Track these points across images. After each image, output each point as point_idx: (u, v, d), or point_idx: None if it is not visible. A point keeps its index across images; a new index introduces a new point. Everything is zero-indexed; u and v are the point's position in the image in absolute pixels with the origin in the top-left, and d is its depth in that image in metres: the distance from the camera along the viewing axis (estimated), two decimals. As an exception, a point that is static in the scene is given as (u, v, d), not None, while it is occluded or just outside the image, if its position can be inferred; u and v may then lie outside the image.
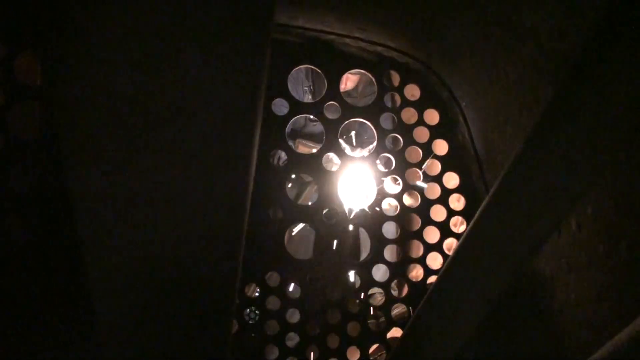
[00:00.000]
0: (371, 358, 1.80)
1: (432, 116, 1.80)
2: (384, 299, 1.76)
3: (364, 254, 1.99)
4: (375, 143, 1.80)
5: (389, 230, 1.83)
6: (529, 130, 0.96)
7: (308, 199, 2.69)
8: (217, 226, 0.93)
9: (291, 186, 2.67)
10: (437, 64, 1.73)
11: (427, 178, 1.79)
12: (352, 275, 1.87)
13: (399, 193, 1.79)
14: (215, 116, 0.78)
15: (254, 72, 0.77)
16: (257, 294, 1.76)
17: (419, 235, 1.78)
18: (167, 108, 0.76)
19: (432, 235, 1.78)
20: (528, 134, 0.96)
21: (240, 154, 0.84)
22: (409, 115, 1.80)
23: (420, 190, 1.79)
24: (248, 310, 1.78)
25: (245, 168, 0.86)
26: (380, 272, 1.79)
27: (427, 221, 1.78)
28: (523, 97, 1.36)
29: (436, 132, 1.79)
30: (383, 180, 1.80)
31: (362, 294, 1.75)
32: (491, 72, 1.48)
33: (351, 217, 1.79)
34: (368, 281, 1.74)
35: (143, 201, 0.86)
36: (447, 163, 1.79)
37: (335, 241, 1.75)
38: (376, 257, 1.76)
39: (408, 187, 1.79)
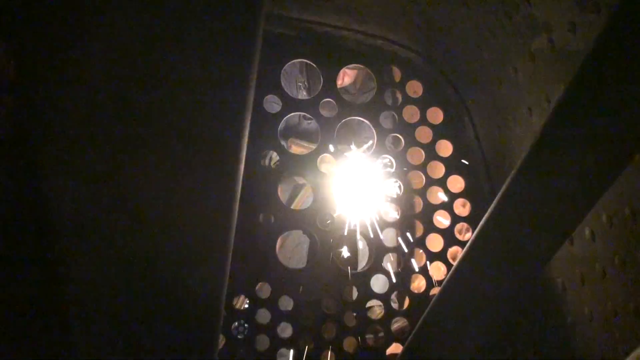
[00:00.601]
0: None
1: (436, 115, 1.81)
2: (383, 312, 1.76)
3: (362, 263, 1.99)
4: (374, 143, 1.80)
5: (389, 237, 1.83)
6: (538, 131, 0.96)
7: (302, 203, 2.68)
8: (202, 232, 0.92)
9: (284, 189, 2.67)
10: (441, 59, 1.74)
11: (430, 181, 1.80)
12: (349, 287, 1.86)
13: (400, 197, 1.79)
14: (201, 114, 0.78)
15: (243, 67, 0.77)
16: (246, 306, 1.75)
17: (421, 243, 1.78)
18: (150, 105, 0.76)
19: (435, 243, 1.78)
20: (538, 135, 0.96)
21: (228, 154, 0.84)
22: (411, 113, 1.81)
23: (423, 194, 1.80)
24: (236, 323, 1.77)
25: (233, 169, 0.86)
26: (379, 283, 1.79)
27: (430, 228, 1.78)
28: (533, 95, 1.37)
29: (440, 132, 1.80)
30: (383, 183, 1.80)
31: (360, 306, 1.75)
32: (499, 68, 1.49)
33: (348, 223, 1.79)
34: (366, 293, 1.74)
35: (124, 206, 0.86)
36: (452, 165, 1.79)
37: (331, 249, 1.75)
38: (375, 266, 1.76)
39: (410, 191, 1.79)
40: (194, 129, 0.79)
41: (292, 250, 2.46)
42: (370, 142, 1.88)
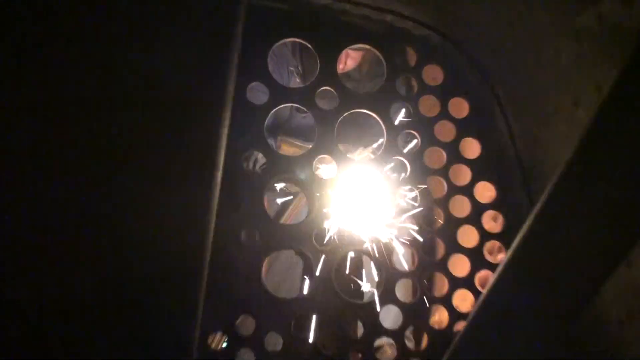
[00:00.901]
0: None
1: (460, 107, 1.82)
2: (396, 353, 1.76)
3: (370, 290, 1.98)
4: (384, 142, 1.81)
5: (403, 259, 1.83)
6: (586, 127, 0.97)
7: (294, 216, 2.68)
8: (168, 253, 0.92)
9: (271, 199, 2.67)
10: (465, 38, 1.75)
11: (453, 188, 1.80)
12: (353, 321, 1.86)
13: (416, 209, 1.80)
14: (169, 106, 0.78)
15: (221, 48, 0.77)
16: (224, 346, 1.74)
17: (442, 266, 1.78)
18: (107, 93, 0.76)
19: (460, 265, 1.79)
20: (585, 132, 0.97)
21: (201, 157, 0.84)
22: (429, 105, 1.82)
23: (445, 205, 1.80)
24: (212, 367, 1.76)
25: (208, 176, 0.86)
26: (390, 316, 1.79)
27: (454, 247, 1.79)
28: (578, 82, 1.38)
29: (465, 128, 1.81)
30: (395, 192, 1.81)
31: (367, 345, 1.74)
32: (537, 50, 1.50)
33: (352, 241, 1.79)
34: (374, 328, 1.74)
35: (77, 215, 0.86)
36: (480, 169, 1.80)
37: (330, 274, 1.74)
38: (385, 295, 1.76)
39: (428, 201, 1.80)
40: (161, 126, 0.79)
41: (282, 275, 2.46)
42: (380, 140, 1.89)
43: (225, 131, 0.85)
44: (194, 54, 0.77)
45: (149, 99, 0.78)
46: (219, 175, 0.89)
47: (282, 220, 2.57)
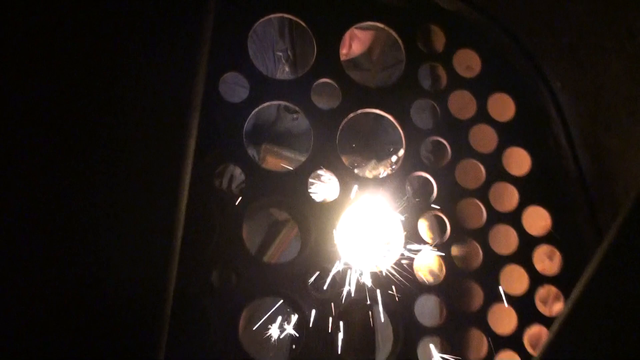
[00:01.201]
0: None
1: (503, 106, 1.83)
2: None
3: (383, 351, 1.98)
4: (402, 153, 1.81)
5: (427, 309, 1.83)
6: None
7: (282, 251, 2.68)
8: (117, 305, 0.93)
9: (252, 229, 2.67)
10: (511, 14, 1.76)
11: (495, 215, 1.80)
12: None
13: (445, 243, 1.80)
14: (114, 107, 0.79)
15: (186, 25, 0.78)
16: None
17: (480, 319, 1.78)
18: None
19: (503, 319, 1.79)
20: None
21: (161, 173, 0.85)
22: (463, 103, 1.83)
23: (483, 238, 1.80)
24: None
25: (169, 199, 0.87)
26: (411, 387, 1.78)
27: (495, 294, 1.79)
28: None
29: (510, 134, 1.82)
30: (416, 220, 1.81)
31: None
32: (606, 30, 1.51)
33: (359, 285, 1.79)
34: (390, 403, 1.74)
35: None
36: (530, 190, 1.81)
37: (330, 329, 1.74)
38: (405, 357, 1.75)
39: (460, 233, 1.80)
40: (106, 132, 0.80)
41: (266, 330, 2.45)
42: (399, 151, 1.89)
43: (192, 140, 0.86)
44: (145, 30, 0.78)
45: (88, 97, 0.79)
46: (183, 198, 0.90)
47: (267, 258, 2.57)
